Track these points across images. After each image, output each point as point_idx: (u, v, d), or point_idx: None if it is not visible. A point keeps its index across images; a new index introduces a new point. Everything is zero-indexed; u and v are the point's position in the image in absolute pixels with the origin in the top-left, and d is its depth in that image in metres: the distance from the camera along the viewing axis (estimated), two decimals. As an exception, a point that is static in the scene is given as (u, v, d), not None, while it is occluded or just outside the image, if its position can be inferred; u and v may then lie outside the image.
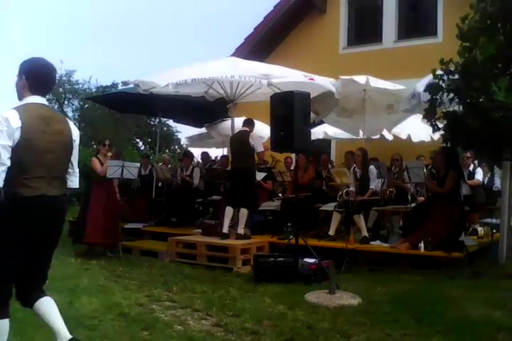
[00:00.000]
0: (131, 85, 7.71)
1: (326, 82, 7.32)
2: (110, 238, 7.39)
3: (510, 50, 5.69)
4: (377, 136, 9.84)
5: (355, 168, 7.82)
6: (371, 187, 7.56)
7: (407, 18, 12.01)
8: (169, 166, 10.97)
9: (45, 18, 45.75)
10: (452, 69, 5.91)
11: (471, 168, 8.25)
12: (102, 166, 7.38)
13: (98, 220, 7.30)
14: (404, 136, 9.91)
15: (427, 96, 6.27)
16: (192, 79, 6.73)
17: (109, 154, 7.57)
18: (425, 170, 7.48)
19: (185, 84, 6.81)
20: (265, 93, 8.05)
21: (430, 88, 6.11)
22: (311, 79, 6.98)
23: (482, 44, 5.53)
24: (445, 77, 5.97)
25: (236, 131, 7.79)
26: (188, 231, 8.22)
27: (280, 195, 8.95)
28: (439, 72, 6.05)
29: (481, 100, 5.54)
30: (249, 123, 7.53)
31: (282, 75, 7.08)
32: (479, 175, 8.20)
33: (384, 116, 8.89)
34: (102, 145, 7.70)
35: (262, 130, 9.31)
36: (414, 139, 9.86)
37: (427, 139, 9.69)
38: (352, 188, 7.35)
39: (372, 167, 7.70)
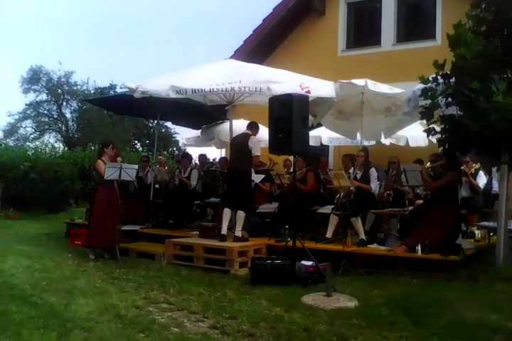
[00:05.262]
0: (127, 89, 7.69)
1: (322, 92, 7.31)
2: (108, 243, 7.29)
3: (507, 54, 5.71)
4: (374, 142, 9.87)
5: (354, 169, 7.83)
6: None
7: (406, 21, 12.00)
8: (165, 168, 10.94)
9: (44, 19, 45.84)
10: (448, 73, 5.92)
11: (473, 170, 8.22)
12: None
13: (100, 224, 7.30)
14: (402, 142, 9.93)
15: (423, 100, 6.28)
16: (192, 90, 6.79)
17: (119, 159, 7.67)
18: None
19: (185, 94, 6.86)
20: (264, 95, 8.05)
21: (426, 93, 6.11)
22: (308, 92, 6.93)
23: (469, 43, 5.55)
24: (440, 81, 5.98)
25: (236, 133, 7.77)
26: (186, 233, 8.21)
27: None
28: (432, 75, 6.06)
29: (480, 99, 5.52)
30: (252, 126, 7.52)
31: (280, 80, 7.06)
32: (481, 179, 8.16)
33: (382, 119, 8.91)
34: (107, 147, 7.65)
35: (261, 132, 9.27)
36: (411, 144, 9.88)
37: (424, 144, 9.70)
38: (352, 188, 7.36)
39: (373, 169, 7.74)
